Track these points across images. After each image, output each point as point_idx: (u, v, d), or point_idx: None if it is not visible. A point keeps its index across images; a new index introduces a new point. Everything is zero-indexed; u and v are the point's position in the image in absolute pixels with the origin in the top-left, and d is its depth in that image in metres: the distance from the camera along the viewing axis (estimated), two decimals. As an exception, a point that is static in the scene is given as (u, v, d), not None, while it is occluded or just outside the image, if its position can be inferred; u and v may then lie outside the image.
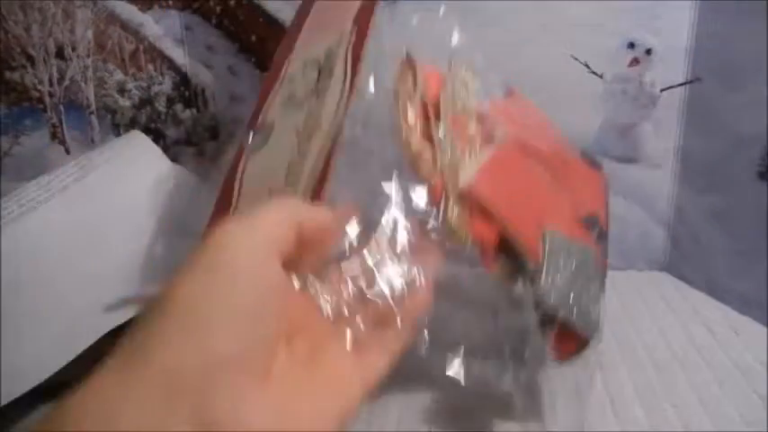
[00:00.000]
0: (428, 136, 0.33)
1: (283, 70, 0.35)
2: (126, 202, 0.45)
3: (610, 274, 0.64)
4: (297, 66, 0.35)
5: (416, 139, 0.33)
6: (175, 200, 0.47)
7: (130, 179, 0.46)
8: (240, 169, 0.32)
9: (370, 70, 0.34)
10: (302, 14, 0.40)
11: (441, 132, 0.33)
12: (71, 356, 0.36)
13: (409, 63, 0.36)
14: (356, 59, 0.33)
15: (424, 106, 0.34)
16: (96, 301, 0.39)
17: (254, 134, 0.33)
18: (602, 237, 0.39)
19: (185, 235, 0.45)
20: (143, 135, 0.51)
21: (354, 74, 0.33)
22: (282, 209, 0.24)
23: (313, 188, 0.29)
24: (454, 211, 0.31)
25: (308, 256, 0.25)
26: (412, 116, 0.34)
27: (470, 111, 0.36)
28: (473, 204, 0.32)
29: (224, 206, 0.31)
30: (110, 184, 0.45)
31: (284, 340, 0.22)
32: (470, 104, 0.36)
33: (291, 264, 0.23)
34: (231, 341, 0.19)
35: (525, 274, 0.33)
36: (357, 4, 0.37)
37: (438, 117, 0.34)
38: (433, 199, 0.31)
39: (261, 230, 0.22)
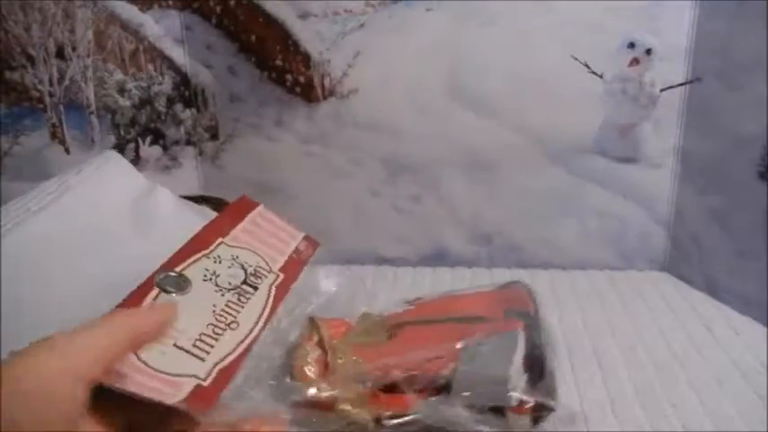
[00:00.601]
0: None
1: (212, 246, 0.40)
2: (103, 221, 0.44)
3: (610, 274, 0.64)
4: (226, 254, 0.40)
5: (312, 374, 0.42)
6: (154, 216, 0.47)
7: (107, 198, 0.46)
8: (148, 300, 0.34)
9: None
10: (244, 207, 0.45)
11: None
12: None
13: (312, 322, 0.46)
14: (278, 299, 0.40)
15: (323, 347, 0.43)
16: (76, 321, 0.39)
17: (169, 275, 0.36)
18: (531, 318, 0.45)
19: (167, 250, 0.45)
20: (117, 154, 0.51)
21: (273, 309, 0.39)
22: (112, 324, 0.25)
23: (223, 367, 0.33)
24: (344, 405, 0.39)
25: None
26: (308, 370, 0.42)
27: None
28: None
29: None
30: (86, 204, 0.44)
31: None
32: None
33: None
34: None
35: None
36: (292, 247, 0.45)
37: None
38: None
39: (76, 357, 0.23)
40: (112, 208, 0.45)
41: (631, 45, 0.60)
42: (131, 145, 0.68)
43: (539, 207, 0.65)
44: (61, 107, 0.66)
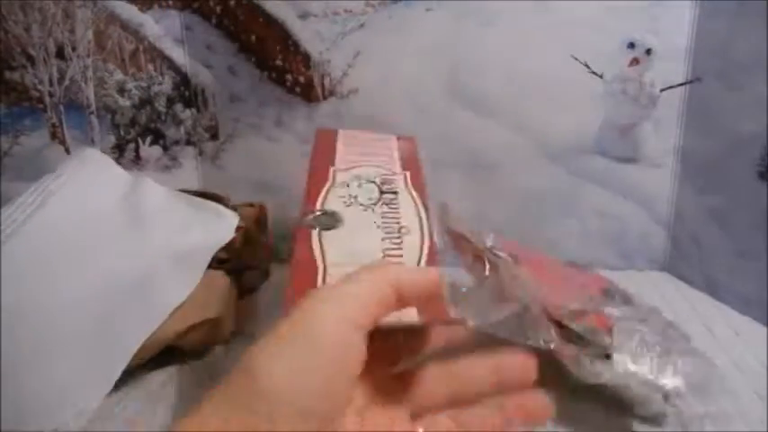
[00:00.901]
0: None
1: (330, 176, 0.41)
2: (93, 222, 0.43)
3: (610, 274, 0.64)
4: (347, 178, 0.41)
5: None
6: (144, 208, 0.46)
7: (92, 198, 0.45)
8: (315, 242, 0.34)
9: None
10: (329, 136, 0.47)
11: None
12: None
13: (443, 208, 0.44)
14: (421, 193, 0.41)
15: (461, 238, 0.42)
16: (80, 322, 0.39)
17: (316, 214, 0.37)
18: (627, 298, 0.46)
19: (164, 240, 0.45)
20: (95, 151, 0.50)
21: (425, 203, 0.40)
22: (378, 276, 0.25)
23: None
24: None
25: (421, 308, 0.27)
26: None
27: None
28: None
29: (308, 276, 0.33)
30: (72, 208, 0.43)
31: (355, 412, 0.24)
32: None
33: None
34: (298, 419, 0.21)
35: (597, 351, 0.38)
36: (394, 149, 0.46)
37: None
38: None
39: (349, 303, 0.23)
40: (100, 207, 0.45)
41: (631, 45, 0.60)
42: (131, 145, 0.68)
43: (539, 207, 0.65)
44: (61, 107, 0.66)
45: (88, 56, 0.64)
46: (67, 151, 0.67)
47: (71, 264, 0.40)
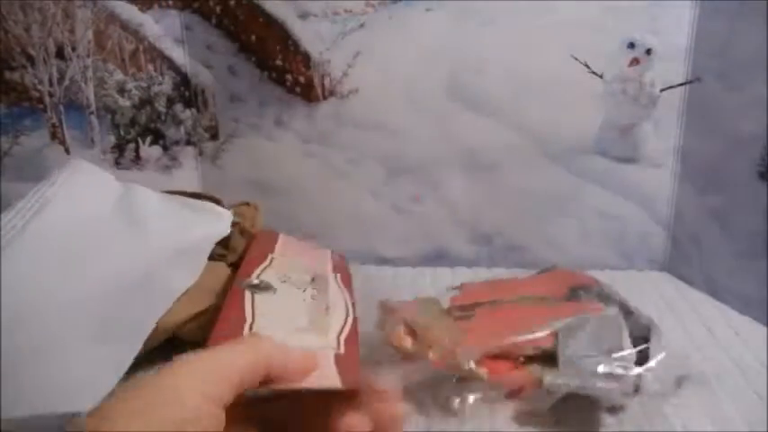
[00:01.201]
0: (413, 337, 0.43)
1: (268, 260, 0.44)
2: (92, 224, 0.44)
3: (610, 273, 0.64)
4: (282, 264, 0.44)
5: (409, 345, 0.43)
6: (139, 215, 0.46)
7: (87, 207, 0.45)
8: (247, 300, 0.37)
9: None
10: (271, 235, 0.51)
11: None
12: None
13: (384, 306, 0.47)
14: (348, 288, 0.44)
15: (406, 323, 0.44)
16: (81, 328, 0.39)
17: (252, 281, 0.40)
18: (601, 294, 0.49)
19: (161, 245, 0.45)
20: (84, 162, 0.51)
21: (351, 294, 0.43)
22: (251, 351, 0.25)
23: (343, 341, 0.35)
24: (469, 364, 0.40)
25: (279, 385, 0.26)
26: (400, 337, 0.43)
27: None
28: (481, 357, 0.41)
29: (236, 325, 0.34)
30: (71, 211, 0.43)
31: None
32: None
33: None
34: None
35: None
36: (328, 256, 0.50)
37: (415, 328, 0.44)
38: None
39: (208, 377, 0.23)
40: (97, 212, 0.45)
41: (631, 45, 0.60)
42: (131, 145, 0.68)
43: (539, 207, 0.65)
44: (61, 107, 0.66)
45: (88, 56, 0.64)
46: (67, 151, 0.67)
47: (74, 264, 0.41)
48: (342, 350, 0.33)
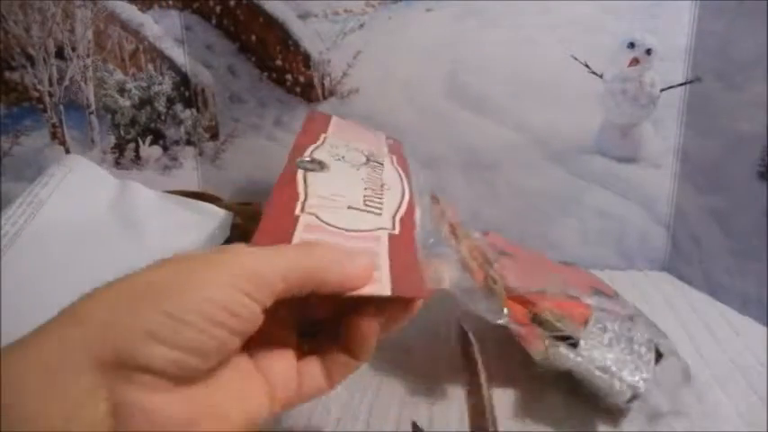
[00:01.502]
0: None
1: (321, 140, 0.41)
2: (87, 227, 0.43)
3: (610, 274, 0.64)
4: (337, 143, 0.42)
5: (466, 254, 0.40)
6: (135, 213, 0.46)
7: (85, 204, 0.45)
8: (299, 178, 0.34)
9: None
10: (322, 118, 0.48)
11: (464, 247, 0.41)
12: None
13: (434, 199, 0.44)
14: (405, 169, 0.41)
15: (452, 227, 0.42)
16: None
17: (304, 159, 0.37)
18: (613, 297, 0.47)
19: (158, 243, 0.45)
20: (79, 157, 0.50)
21: (408, 174, 0.40)
22: (301, 257, 0.24)
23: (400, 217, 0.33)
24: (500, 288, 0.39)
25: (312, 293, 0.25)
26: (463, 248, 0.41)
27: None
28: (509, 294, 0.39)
29: (288, 201, 0.32)
30: (65, 214, 0.43)
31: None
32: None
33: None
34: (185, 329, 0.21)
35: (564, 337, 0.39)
36: (382, 138, 0.48)
37: (458, 234, 0.42)
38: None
39: (254, 275, 0.23)
40: (92, 214, 0.44)
41: (631, 45, 0.60)
42: (131, 145, 0.68)
43: (539, 207, 0.65)
44: (61, 107, 0.66)
45: (88, 56, 0.64)
46: (67, 151, 0.67)
47: (70, 269, 0.40)
48: (397, 230, 0.31)
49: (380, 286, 0.26)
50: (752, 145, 0.54)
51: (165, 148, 0.68)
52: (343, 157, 0.39)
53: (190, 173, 0.69)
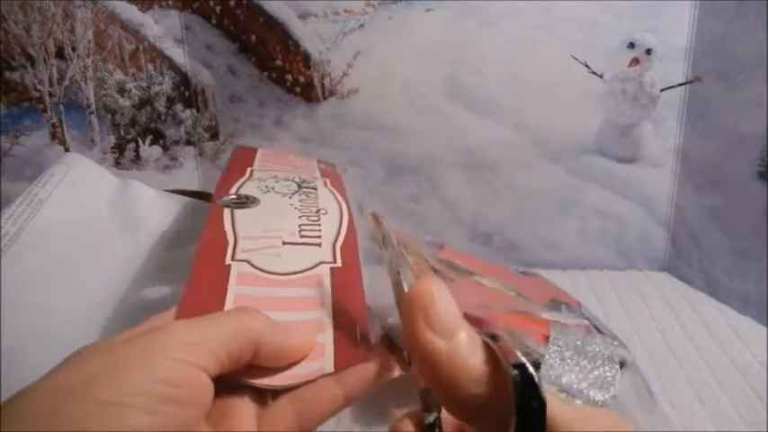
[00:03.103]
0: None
1: (247, 174, 0.39)
2: (88, 227, 0.42)
3: (610, 273, 0.64)
4: (264, 175, 0.39)
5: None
6: (135, 212, 0.46)
7: (85, 203, 0.44)
8: (227, 219, 0.32)
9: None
10: (248, 152, 0.46)
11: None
12: None
13: (375, 217, 0.40)
14: (342, 193, 0.38)
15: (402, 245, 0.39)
16: (82, 337, 0.38)
17: (230, 197, 0.35)
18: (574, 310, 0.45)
19: (156, 243, 0.45)
20: (78, 155, 0.50)
21: (345, 198, 0.38)
22: (236, 325, 0.23)
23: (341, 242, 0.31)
24: None
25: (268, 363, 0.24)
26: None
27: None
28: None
29: (217, 249, 0.30)
30: (65, 214, 0.42)
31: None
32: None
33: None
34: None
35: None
36: (314, 164, 0.44)
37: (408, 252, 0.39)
38: None
39: (194, 343, 0.21)
40: (92, 213, 0.44)
41: (631, 45, 0.60)
42: (131, 145, 0.68)
43: (539, 207, 0.65)
44: (61, 107, 0.66)
45: (88, 56, 0.64)
46: (67, 151, 0.67)
47: (69, 270, 0.40)
48: (339, 262, 0.29)
49: (321, 363, 0.25)
50: (752, 145, 0.54)
51: (165, 148, 0.68)
52: (272, 189, 0.37)
53: (190, 173, 0.69)
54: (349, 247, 0.30)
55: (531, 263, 0.66)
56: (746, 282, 0.56)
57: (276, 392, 0.25)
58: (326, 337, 0.25)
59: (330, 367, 0.24)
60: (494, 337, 0.19)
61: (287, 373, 0.24)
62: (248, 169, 0.40)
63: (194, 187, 0.68)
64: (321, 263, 0.29)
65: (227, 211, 0.32)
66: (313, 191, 0.37)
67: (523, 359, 0.17)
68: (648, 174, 0.63)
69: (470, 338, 0.19)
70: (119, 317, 0.40)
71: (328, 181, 0.40)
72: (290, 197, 0.36)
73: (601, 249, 0.66)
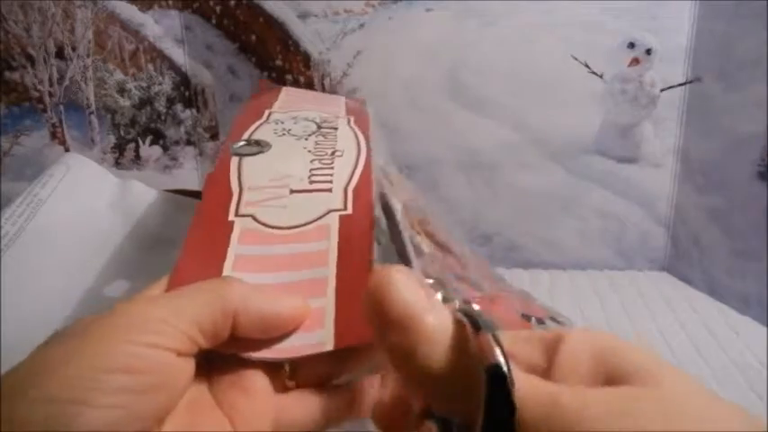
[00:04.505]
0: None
1: (264, 116, 0.36)
2: (88, 227, 0.42)
3: (610, 274, 0.64)
4: (283, 117, 0.36)
5: None
6: (136, 212, 0.46)
7: (85, 203, 0.43)
8: (233, 168, 0.29)
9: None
10: (272, 90, 0.42)
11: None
12: None
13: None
14: (364, 129, 0.35)
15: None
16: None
17: (239, 144, 0.32)
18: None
19: (155, 244, 0.45)
20: (78, 156, 0.50)
21: (367, 136, 0.34)
22: (214, 299, 0.21)
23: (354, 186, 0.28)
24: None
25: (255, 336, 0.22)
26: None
27: None
28: None
29: (221, 201, 0.28)
30: (66, 213, 0.42)
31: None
32: None
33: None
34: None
35: None
36: (341, 101, 0.41)
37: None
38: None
39: (160, 322, 0.20)
40: (93, 213, 0.44)
41: (631, 45, 0.60)
42: (131, 145, 0.68)
43: (539, 207, 0.65)
44: (61, 107, 0.66)
45: (88, 56, 0.64)
46: (67, 151, 0.67)
47: (69, 270, 0.40)
48: (349, 208, 0.26)
49: (320, 336, 0.22)
50: (752, 145, 0.54)
51: (165, 148, 0.68)
52: (288, 131, 0.34)
53: (190, 173, 0.69)
54: (362, 191, 0.27)
55: (531, 263, 0.66)
56: (746, 282, 0.56)
57: (295, 370, 0.23)
58: (328, 302, 0.23)
59: (330, 342, 0.21)
60: (476, 324, 0.17)
61: (280, 345, 0.22)
62: (266, 111, 0.37)
63: (194, 187, 0.68)
64: (330, 211, 0.26)
65: (234, 160, 0.30)
66: (333, 131, 0.34)
67: (500, 359, 0.15)
68: (648, 174, 0.63)
69: (436, 325, 0.17)
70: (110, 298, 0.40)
71: (352, 119, 0.37)
72: (306, 139, 0.33)
73: (601, 249, 0.66)
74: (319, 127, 0.35)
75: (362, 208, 0.26)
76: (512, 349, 0.17)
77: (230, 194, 0.27)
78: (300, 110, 0.38)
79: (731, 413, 0.14)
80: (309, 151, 0.31)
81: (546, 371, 0.17)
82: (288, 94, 0.41)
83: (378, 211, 0.28)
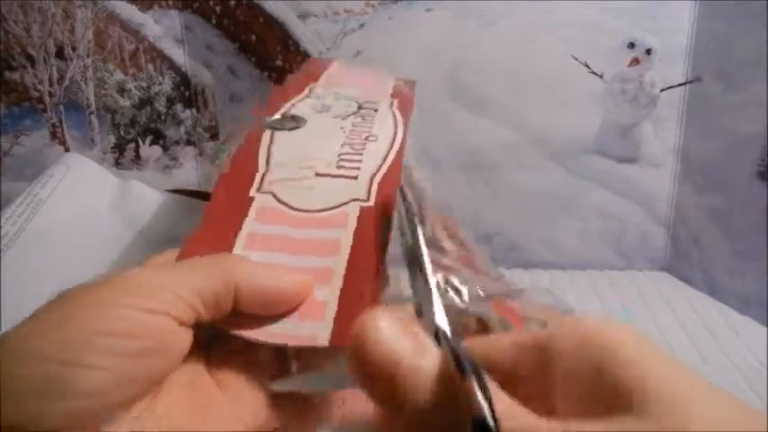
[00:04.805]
0: None
1: (307, 90, 0.35)
2: (89, 226, 0.42)
3: (610, 274, 0.64)
4: (325, 93, 0.35)
5: None
6: (137, 211, 0.46)
7: (85, 202, 0.43)
8: (263, 142, 0.29)
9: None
10: (319, 64, 0.41)
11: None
12: None
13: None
14: (405, 113, 0.34)
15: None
16: None
17: (274, 118, 0.31)
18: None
19: (156, 244, 0.44)
20: (78, 156, 0.50)
21: (406, 121, 0.34)
22: (217, 273, 0.21)
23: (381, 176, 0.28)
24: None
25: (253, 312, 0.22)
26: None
27: None
28: None
29: (246, 174, 0.27)
30: (66, 213, 0.42)
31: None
32: None
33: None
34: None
35: None
36: (389, 81, 0.40)
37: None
38: None
39: (161, 290, 0.19)
40: (93, 213, 0.44)
41: (631, 45, 0.60)
42: (131, 145, 0.68)
43: (539, 207, 0.65)
44: (61, 107, 0.66)
45: (88, 56, 0.64)
46: (67, 151, 0.67)
47: (69, 270, 0.40)
48: (371, 200, 0.25)
49: (317, 328, 0.21)
50: (752, 145, 0.54)
51: (165, 148, 0.68)
52: (328, 108, 0.33)
53: (190, 173, 0.69)
54: (389, 183, 0.26)
55: (531, 263, 0.66)
56: (746, 282, 0.56)
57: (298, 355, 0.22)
58: (332, 294, 0.22)
59: (326, 338, 0.20)
60: (462, 369, 0.15)
61: (275, 326, 0.21)
62: (309, 85, 0.35)
63: (194, 187, 0.68)
64: (352, 200, 0.25)
65: (266, 134, 0.29)
66: (372, 113, 0.33)
67: (485, 412, 0.14)
68: (648, 174, 0.63)
69: (423, 372, 0.16)
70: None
71: (396, 102, 0.36)
72: (344, 119, 0.31)
73: (601, 249, 0.66)
74: (360, 107, 0.33)
75: (384, 199, 0.26)
76: (503, 359, 0.17)
77: (256, 169, 0.27)
78: (344, 86, 0.36)
79: None
80: (344, 133, 0.30)
81: (540, 384, 0.16)
82: (336, 69, 0.40)
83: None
